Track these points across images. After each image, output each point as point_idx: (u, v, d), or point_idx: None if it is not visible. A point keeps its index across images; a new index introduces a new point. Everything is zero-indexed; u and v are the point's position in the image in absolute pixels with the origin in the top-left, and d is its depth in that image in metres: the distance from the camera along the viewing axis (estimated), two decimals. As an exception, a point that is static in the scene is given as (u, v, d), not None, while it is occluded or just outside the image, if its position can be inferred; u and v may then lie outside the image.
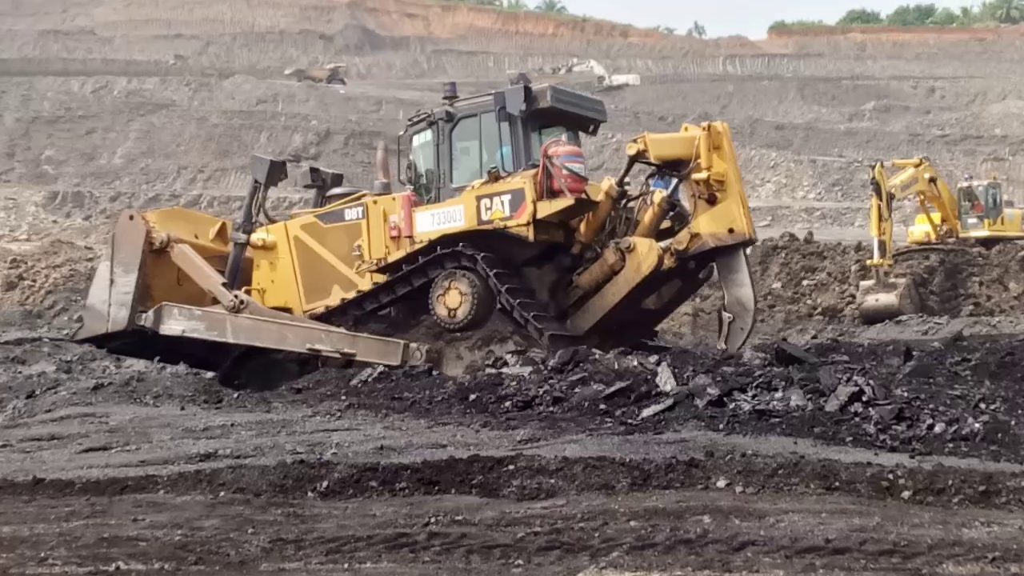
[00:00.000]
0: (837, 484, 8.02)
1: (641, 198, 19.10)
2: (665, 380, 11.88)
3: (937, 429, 9.73)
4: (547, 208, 17.96)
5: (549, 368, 13.75)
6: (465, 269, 18.36)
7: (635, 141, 18.24)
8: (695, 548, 6.72)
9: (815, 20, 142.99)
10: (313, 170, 22.82)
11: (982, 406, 10.72)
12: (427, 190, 20.08)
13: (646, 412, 10.97)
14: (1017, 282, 29.87)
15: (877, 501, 7.71)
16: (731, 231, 17.81)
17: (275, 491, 8.71)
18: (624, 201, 19.00)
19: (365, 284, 20.04)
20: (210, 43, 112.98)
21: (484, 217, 18.43)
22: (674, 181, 18.58)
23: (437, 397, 13.02)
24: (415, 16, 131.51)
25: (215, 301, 20.52)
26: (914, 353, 13.89)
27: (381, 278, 19.66)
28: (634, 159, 18.21)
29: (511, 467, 8.81)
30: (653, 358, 14.12)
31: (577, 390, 12.15)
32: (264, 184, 21.47)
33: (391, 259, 19.57)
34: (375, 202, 20.39)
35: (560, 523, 7.34)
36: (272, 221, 21.87)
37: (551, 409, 11.71)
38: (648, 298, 19.29)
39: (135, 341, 21.07)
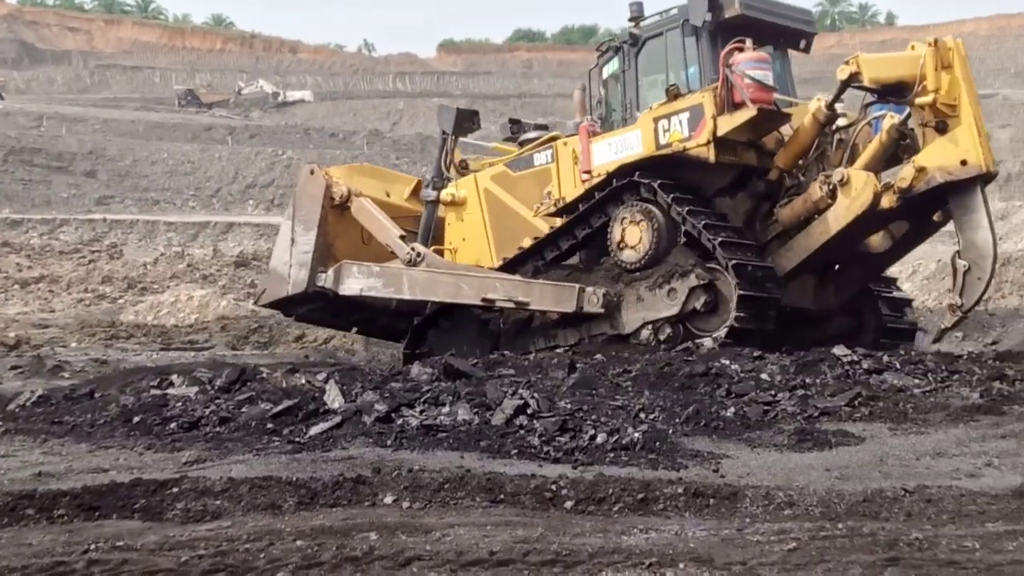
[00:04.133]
0: (502, 496, 8.10)
1: (863, 125, 17.13)
2: (333, 397, 11.78)
3: (599, 439, 9.92)
4: (728, 123, 16.37)
5: (216, 388, 13.47)
6: (644, 201, 16.99)
7: (847, 63, 16.36)
8: (361, 565, 6.67)
9: (483, 38, 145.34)
10: (513, 122, 21.24)
11: (642, 416, 11.04)
12: (616, 125, 18.53)
13: (314, 430, 10.84)
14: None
15: (541, 512, 7.81)
16: (964, 163, 15.53)
17: (-78, 525, 8.24)
18: (835, 127, 17.16)
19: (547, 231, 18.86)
20: None
21: (662, 140, 16.95)
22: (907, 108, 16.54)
23: (99, 420, 12.48)
24: (77, 30, 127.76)
25: (393, 255, 19.16)
26: (578, 366, 14.09)
27: (561, 223, 18.37)
28: (846, 83, 16.37)
29: (175, 490, 8.55)
30: (321, 375, 13.95)
31: (244, 409, 11.89)
32: (452, 135, 20.15)
33: (568, 198, 17.98)
34: (565, 143, 18.78)
35: (225, 545, 7.17)
36: (463, 174, 20.27)
37: (218, 429, 11.40)
38: (872, 238, 17.58)
39: (321, 306, 19.63)
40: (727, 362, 13.87)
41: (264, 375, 13.92)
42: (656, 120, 17.01)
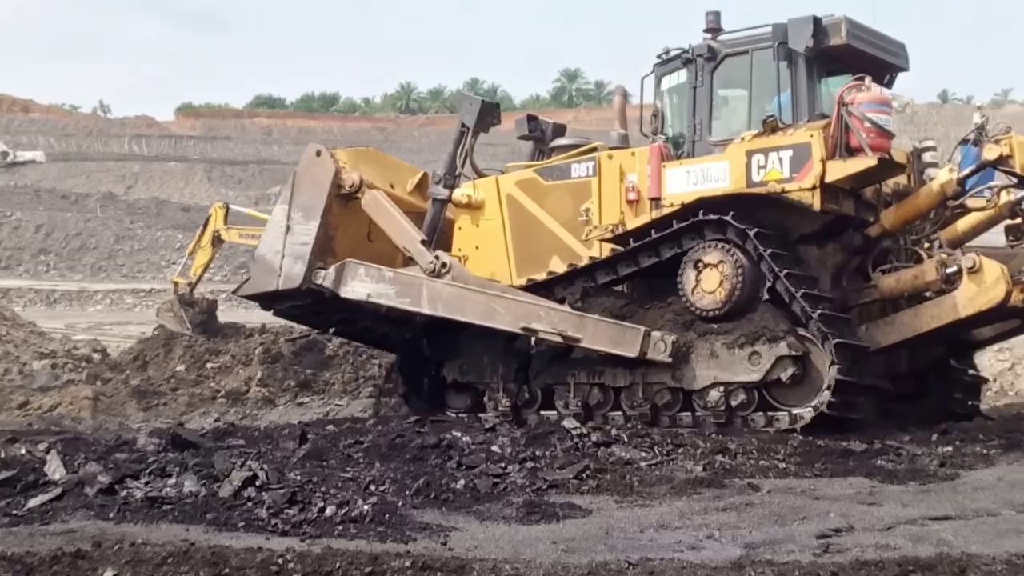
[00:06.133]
0: (227, 571, 7.92)
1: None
2: (54, 468, 11.37)
3: (328, 512, 9.82)
4: (840, 170, 14.89)
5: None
6: (729, 243, 15.46)
7: (997, 143, 15.08)
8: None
9: (222, 103, 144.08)
10: (531, 118, 19.12)
11: (372, 487, 10.98)
12: (677, 145, 16.73)
13: (32, 502, 10.42)
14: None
15: (267, 586, 7.71)
16: None
17: None
18: (956, 206, 15.78)
19: (592, 256, 17.12)
20: None
21: (755, 178, 15.39)
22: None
23: None
24: None
25: (410, 261, 17.11)
26: (309, 436, 13.95)
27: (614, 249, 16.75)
28: (991, 164, 15.16)
29: None
30: (42, 446, 13.44)
31: (-41, 481, 11.44)
32: (473, 130, 17.89)
33: (631, 225, 16.60)
34: (610, 156, 17.38)
35: (-74, 627, 6.87)
36: (481, 174, 18.41)
37: (-71, 502, 10.94)
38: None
39: (309, 304, 17.60)
40: (459, 434, 13.96)
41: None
42: (749, 154, 15.62)
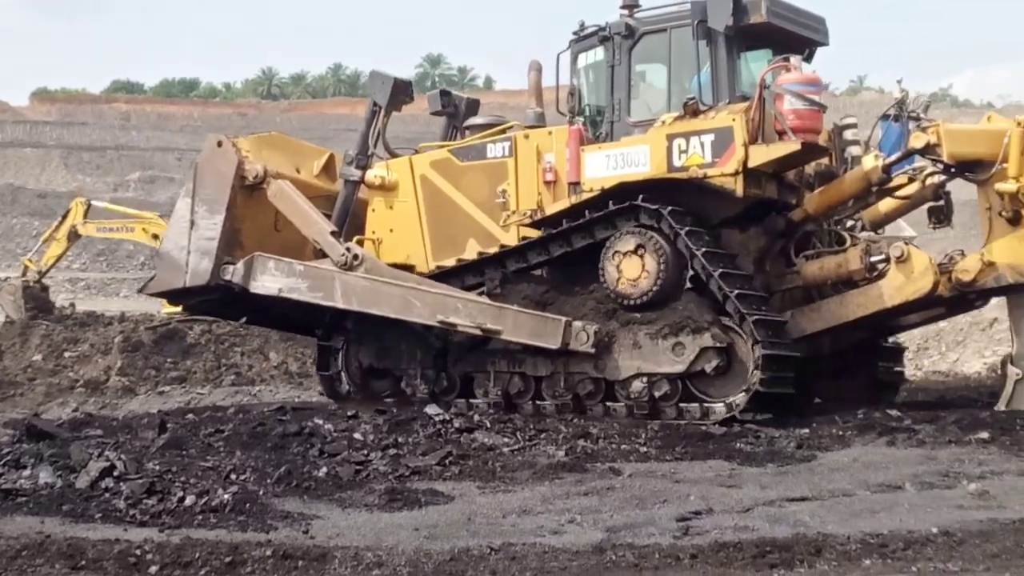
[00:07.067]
0: (84, 563, 7.81)
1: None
2: None
3: (188, 502, 9.70)
4: (763, 155, 14.58)
5: None
6: (648, 228, 15.16)
7: (924, 131, 14.72)
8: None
9: (79, 88, 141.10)
10: (444, 93, 18.56)
11: (233, 477, 10.86)
12: (595, 124, 16.12)
13: None
14: (277, 352, 30.76)
15: (124, 578, 7.60)
16: None
17: None
18: (877, 190, 15.46)
19: (510, 240, 16.74)
20: None
21: (676, 163, 14.99)
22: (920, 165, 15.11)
23: None
24: None
25: (321, 253, 16.54)
26: (169, 425, 13.76)
27: (533, 234, 16.40)
28: (919, 152, 14.85)
29: None
30: None
31: None
32: (385, 108, 17.39)
33: (549, 210, 15.99)
34: (526, 136, 16.89)
35: None
36: (394, 155, 17.78)
37: None
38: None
39: (218, 298, 17.07)
40: (320, 422, 13.87)
41: None
42: (670, 138, 15.20)
